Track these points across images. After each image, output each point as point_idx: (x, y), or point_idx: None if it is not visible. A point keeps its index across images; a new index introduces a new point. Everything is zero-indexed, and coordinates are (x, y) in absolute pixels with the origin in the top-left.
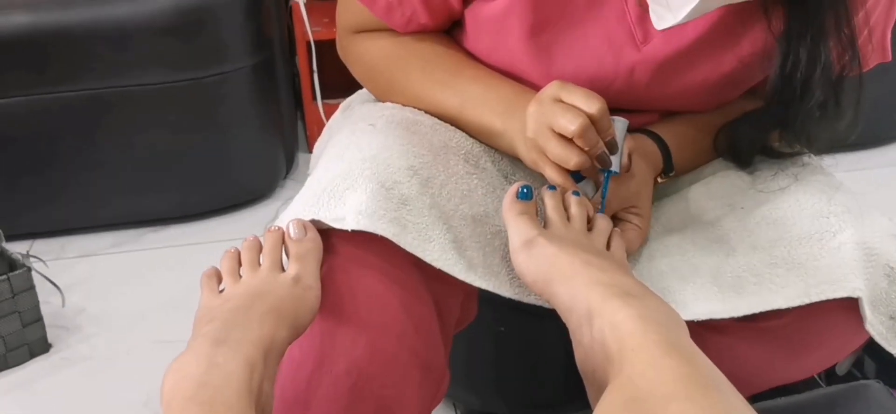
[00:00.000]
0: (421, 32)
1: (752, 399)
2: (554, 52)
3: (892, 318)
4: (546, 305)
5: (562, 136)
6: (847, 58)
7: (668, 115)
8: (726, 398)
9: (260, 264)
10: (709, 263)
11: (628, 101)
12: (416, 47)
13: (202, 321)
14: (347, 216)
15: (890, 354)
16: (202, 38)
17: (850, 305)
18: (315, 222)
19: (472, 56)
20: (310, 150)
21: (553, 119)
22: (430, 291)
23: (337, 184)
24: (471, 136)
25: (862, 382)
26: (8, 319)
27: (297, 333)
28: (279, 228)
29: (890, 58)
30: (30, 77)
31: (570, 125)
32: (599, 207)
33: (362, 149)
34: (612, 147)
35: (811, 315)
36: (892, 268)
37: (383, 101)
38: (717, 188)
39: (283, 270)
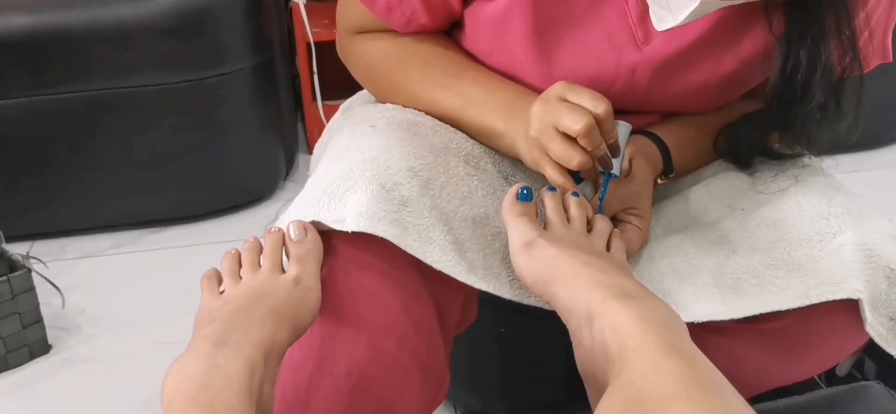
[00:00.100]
0: (421, 33)
1: (753, 401)
2: (554, 53)
3: (892, 319)
4: (546, 307)
5: (565, 136)
6: (848, 59)
7: (668, 116)
8: (727, 400)
9: (260, 266)
10: (709, 264)
11: (629, 102)
12: (416, 48)
13: (202, 322)
14: (348, 218)
15: (890, 356)
16: (202, 39)
17: (850, 307)
18: (315, 224)
19: (471, 57)
20: (310, 152)
21: (558, 118)
22: (430, 292)
23: (337, 185)
24: (471, 137)
25: (862, 383)
26: (8, 321)
27: (297, 334)
28: (279, 230)
29: (891, 59)
30: (30, 78)
31: (576, 124)
32: (597, 209)
33: (363, 150)
34: (614, 150)
35: (811, 317)
36: (892, 269)
37: (383, 102)
38: (717, 189)
39: (283, 271)
